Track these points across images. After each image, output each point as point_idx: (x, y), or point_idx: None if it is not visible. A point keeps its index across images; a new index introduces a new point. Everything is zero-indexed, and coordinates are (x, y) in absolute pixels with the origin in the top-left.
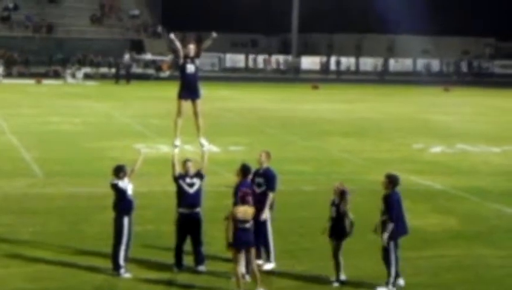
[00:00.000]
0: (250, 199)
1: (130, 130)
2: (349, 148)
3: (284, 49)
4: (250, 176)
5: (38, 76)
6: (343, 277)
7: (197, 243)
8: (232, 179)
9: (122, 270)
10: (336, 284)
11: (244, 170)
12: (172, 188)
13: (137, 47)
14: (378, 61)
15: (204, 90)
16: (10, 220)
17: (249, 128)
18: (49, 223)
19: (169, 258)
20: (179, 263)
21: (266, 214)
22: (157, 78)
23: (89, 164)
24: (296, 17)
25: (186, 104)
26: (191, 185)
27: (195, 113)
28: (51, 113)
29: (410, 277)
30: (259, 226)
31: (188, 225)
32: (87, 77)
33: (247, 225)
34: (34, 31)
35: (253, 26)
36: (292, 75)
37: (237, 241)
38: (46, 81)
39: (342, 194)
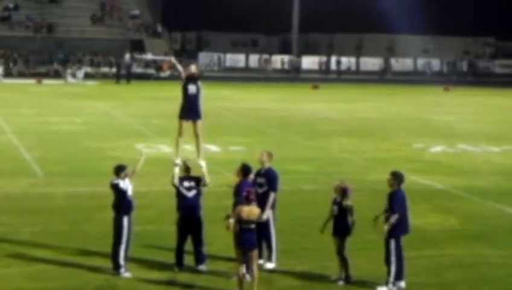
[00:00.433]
0: (254, 197)
1: (130, 130)
2: (349, 147)
3: (285, 49)
4: (250, 176)
5: (39, 76)
6: (342, 276)
7: (197, 243)
8: (232, 179)
9: (122, 270)
10: (340, 283)
11: (245, 169)
12: (172, 187)
13: (138, 47)
14: (380, 61)
15: (204, 89)
16: (11, 220)
17: (249, 128)
18: (50, 222)
19: (169, 257)
20: (179, 263)
21: (267, 215)
22: (158, 78)
23: (90, 163)
24: (296, 17)
25: (187, 124)
26: (189, 188)
27: (196, 134)
28: (51, 113)
29: (411, 277)
30: (261, 226)
31: (189, 225)
32: (87, 76)
33: (252, 226)
34: (35, 30)
35: (254, 25)
36: (293, 75)
37: (241, 242)
38: (46, 81)
39: (344, 192)
